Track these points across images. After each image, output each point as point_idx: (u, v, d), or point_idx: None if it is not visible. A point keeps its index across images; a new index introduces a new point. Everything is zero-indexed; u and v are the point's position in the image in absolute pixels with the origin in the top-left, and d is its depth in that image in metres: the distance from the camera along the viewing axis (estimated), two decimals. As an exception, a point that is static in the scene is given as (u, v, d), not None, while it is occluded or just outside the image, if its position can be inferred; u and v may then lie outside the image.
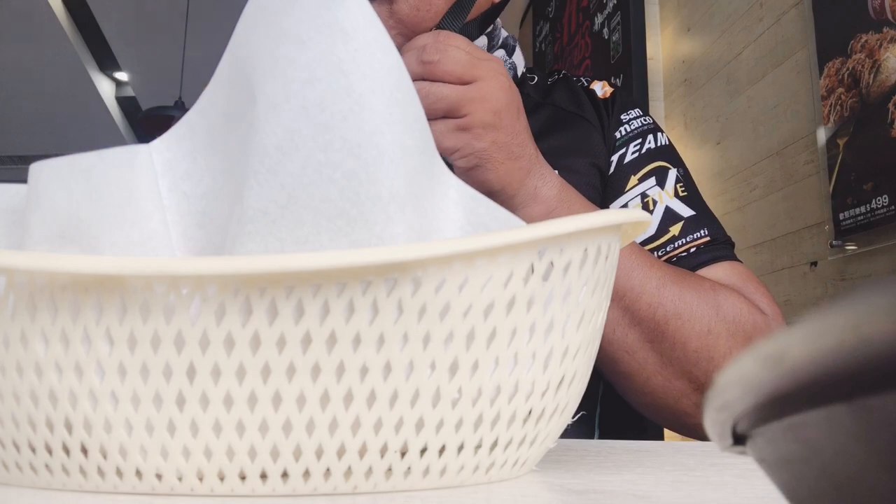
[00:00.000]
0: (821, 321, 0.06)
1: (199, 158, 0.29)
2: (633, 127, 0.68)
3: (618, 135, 0.67)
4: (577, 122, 0.68)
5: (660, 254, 0.62)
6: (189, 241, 0.28)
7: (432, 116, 0.48)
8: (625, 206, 0.64)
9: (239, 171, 0.26)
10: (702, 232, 0.62)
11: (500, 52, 0.66)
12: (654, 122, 0.69)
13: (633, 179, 0.65)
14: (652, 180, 0.65)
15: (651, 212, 0.63)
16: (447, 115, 0.48)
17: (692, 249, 0.62)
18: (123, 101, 4.76)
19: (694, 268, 0.61)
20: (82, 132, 4.73)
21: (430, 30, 0.57)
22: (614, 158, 0.66)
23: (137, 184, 0.28)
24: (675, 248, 0.62)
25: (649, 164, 0.65)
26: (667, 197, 0.64)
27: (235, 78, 0.27)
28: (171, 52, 3.69)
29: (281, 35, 0.26)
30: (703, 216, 0.64)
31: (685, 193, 0.64)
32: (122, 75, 4.44)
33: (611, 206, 0.64)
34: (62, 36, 3.89)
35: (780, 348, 0.06)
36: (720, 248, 0.63)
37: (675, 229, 0.62)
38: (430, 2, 0.55)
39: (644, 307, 0.53)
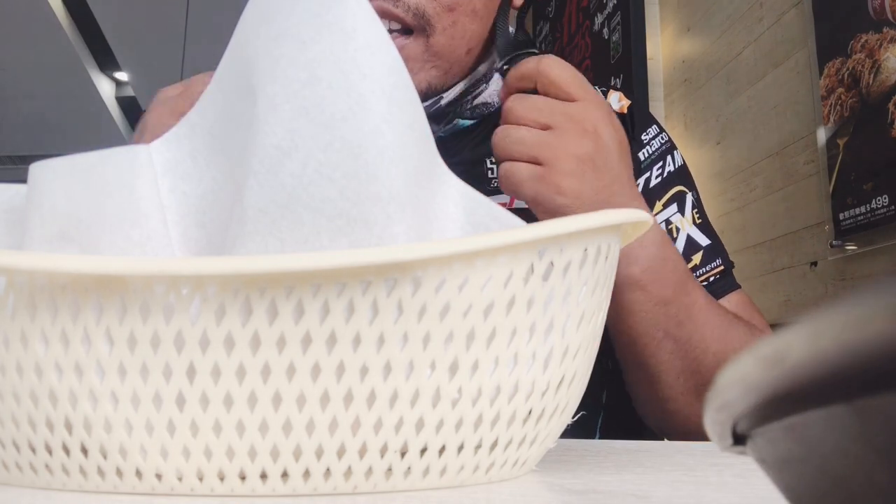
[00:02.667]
0: (821, 321, 0.06)
1: (200, 158, 0.29)
2: (654, 148, 0.66)
3: (641, 156, 0.66)
4: None
5: None
6: (189, 241, 0.28)
7: (515, 158, 0.45)
8: None
9: (239, 171, 0.26)
10: (717, 262, 0.62)
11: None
12: (669, 138, 0.68)
13: (658, 205, 0.64)
14: (674, 207, 0.64)
15: (674, 240, 0.62)
16: (529, 160, 0.45)
17: (711, 279, 0.61)
18: (123, 101, 4.77)
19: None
20: (82, 132, 4.73)
21: (465, 55, 0.56)
22: (640, 182, 0.65)
23: (137, 184, 0.28)
24: (697, 279, 0.61)
25: (671, 188, 0.65)
26: (687, 225, 0.63)
27: (236, 78, 0.27)
28: (172, 51, 3.69)
29: (281, 35, 0.26)
30: (717, 244, 0.63)
31: (700, 221, 0.64)
32: (122, 75, 4.44)
33: None
34: (62, 36, 3.89)
35: (779, 348, 0.06)
36: (729, 277, 0.63)
37: (697, 258, 0.62)
38: (463, 30, 0.54)
39: (697, 343, 0.52)
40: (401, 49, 0.51)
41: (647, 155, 0.66)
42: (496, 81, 0.61)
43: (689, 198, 0.64)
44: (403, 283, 0.24)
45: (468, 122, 0.61)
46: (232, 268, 0.23)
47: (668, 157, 0.66)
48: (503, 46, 0.57)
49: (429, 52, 0.53)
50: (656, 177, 0.65)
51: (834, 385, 0.06)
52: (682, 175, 0.66)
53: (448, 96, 0.57)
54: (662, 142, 0.67)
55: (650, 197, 0.64)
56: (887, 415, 0.06)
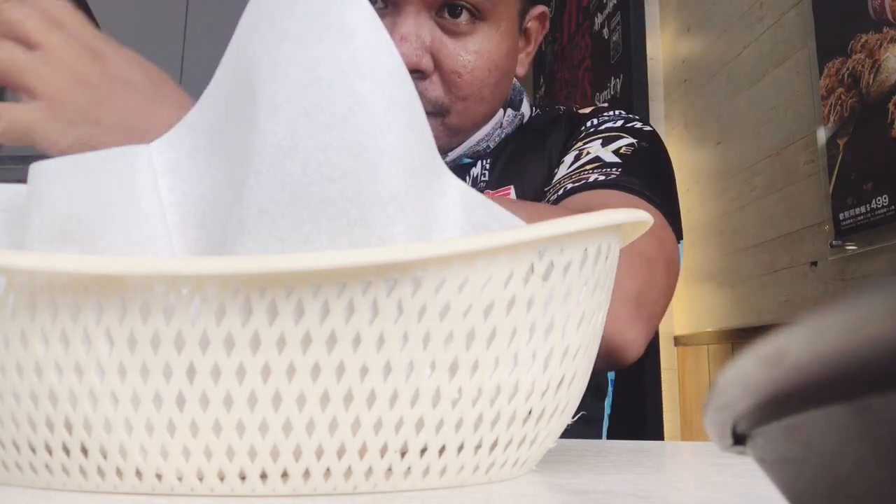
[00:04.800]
0: (820, 321, 0.06)
1: (200, 158, 0.29)
2: (608, 122, 0.65)
3: (587, 125, 0.65)
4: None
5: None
6: (189, 241, 0.28)
7: None
8: (558, 166, 0.62)
9: (239, 170, 0.26)
10: (614, 169, 0.56)
11: (509, 112, 0.69)
12: (652, 141, 0.64)
13: (579, 144, 0.63)
14: (599, 141, 0.61)
15: (575, 163, 0.59)
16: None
17: (590, 178, 0.55)
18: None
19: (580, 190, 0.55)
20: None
21: (471, 127, 0.66)
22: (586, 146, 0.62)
23: (138, 184, 0.28)
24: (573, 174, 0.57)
25: (608, 134, 0.62)
26: (602, 151, 0.59)
27: (236, 78, 0.27)
28: (170, 51, 3.69)
29: (281, 35, 0.26)
30: (627, 164, 0.56)
31: (629, 155, 0.58)
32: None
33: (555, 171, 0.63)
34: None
35: (779, 349, 0.06)
36: (621, 179, 0.55)
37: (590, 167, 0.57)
38: (474, 112, 0.65)
39: None
40: None
41: (593, 124, 0.64)
42: (499, 131, 0.70)
43: (628, 140, 0.61)
44: (403, 283, 0.24)
45: (467, 161, 0.69)
46: (232, 268, 0.23)
47: (632, 124, 0.64)
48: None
49: (442, 126, 0.63)
50: (598, 135, 0.63)
51: (833, 385, 0.06)
52: (641, 135, 0.62)
53: (452, 155, 0.67)
54: (629, 117, 0.65)
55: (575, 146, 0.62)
56: (886, 415, 0.06)
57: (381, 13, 0.59)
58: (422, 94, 0.59)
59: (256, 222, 0.25)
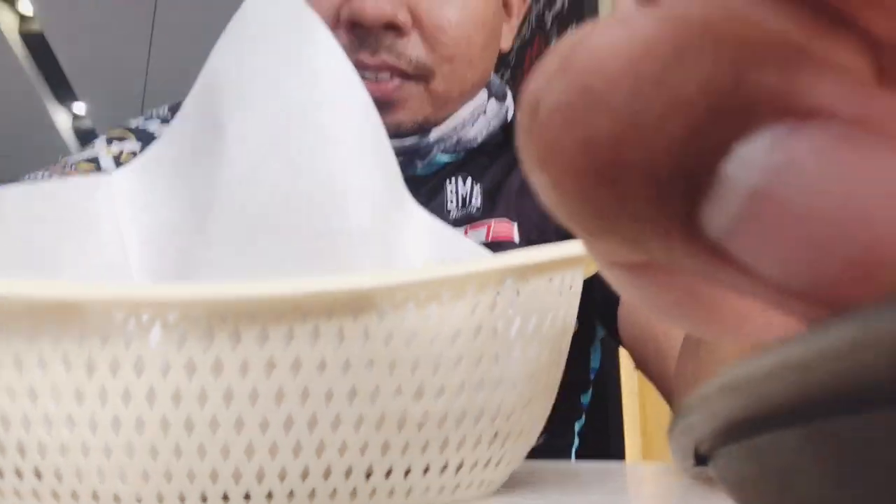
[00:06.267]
0: (780, 354, 0.06)
1: (163, 189, 0.28)
2: None
3: None
4: None
5: None
6: (149, 270, 0.28)
7: None
8: None
9: (203, 200, 0.26)
10: None
11: (492, 102, 0.64)
12: None
13: None
14: None
15: None
16: None
17: None
18: (81, 133, 4.67)
19: None
20: (38, 163, 4.59)
21: (458, 97, 0.58)
22: None
23: (96, 213, 0.27)
24: None
25: None
26: None
27: (204, 111, 0.27)
28: (132, 84, 3.64)
29: (252, 70, 0.26)
30: None
31: None
32: (79, 106, 4.35)
33: None
34: (17, 67, 3.80)
35: (740, 378, 0.06)
36: None
37: None
38: (462, 76, 0.57)
39: None
40: (400, 89, 0.53)
41: None
42: (483, 120, 0.63)
43: None
44: (369, 312, 0.24)
45: (446, 158, 0.61)
46: (193, 295, 0.22)
47: None
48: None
49: (427, 93, 0.56)
50: None
51: (793, 411, 0.06)
52: None
53: (435, 133, 0.59)
54: None
55: None
56: (839, 438, 0.06)
57: None
58: (401, 54, 0.53)
59: (220, 250, 0.24)
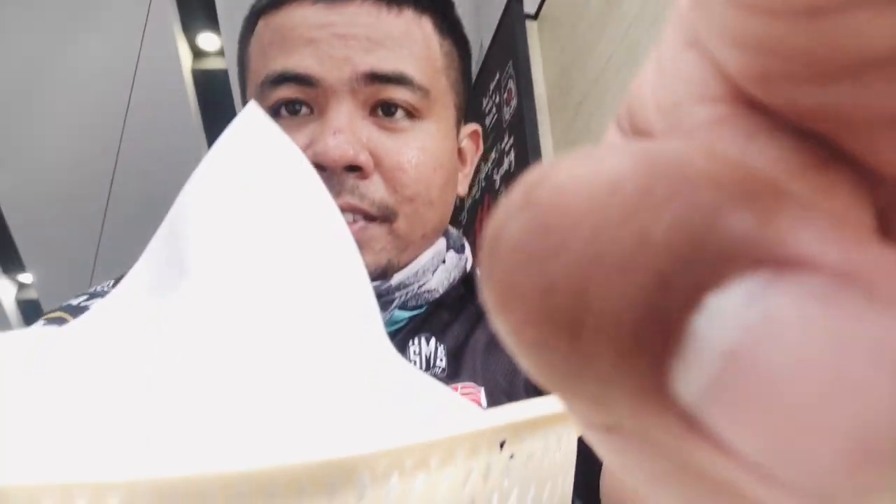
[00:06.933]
0: None
1: (114, 348, 0.25)
2: None
3: None
4: None
5: None
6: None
7: None
8: None
9: (156, 358, 0.23)
10: None
11: (451, 254, 0.64)
12: None
13: None
14: None
15: None
16: None
17: None
18: (24, 304, 4.55)
19: None
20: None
21: (421, 239, 0.59)
22: None
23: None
24: None
25: None
26: None
27: (168, 255, 0.25)
28: (83, 254, 3.62)
29: (227, 209, 0.24)
30: None
31: None
32: (25, 277, 4.28)
33: None
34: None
35: None
36: None
37: None
38: (423, 217, 0.58)
39: None
40: (364, 230, 0.54)
41: None
42: (442, 270, 0.62)
43: None
44: (345, 490, 0.20)
45: (406, 314, 0.60)
46: (136, 475, 0.19)
47: None
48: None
49: (391, 235, 0.57)
50: None
51: None
52: None
53: (397, 278, 0.58)
54: None
55: None
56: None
57: (307, 120, 0.55)
58: (364, 195, 0.54)
59: (172, 418, 0.21)
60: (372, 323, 0.25)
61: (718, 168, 0.06)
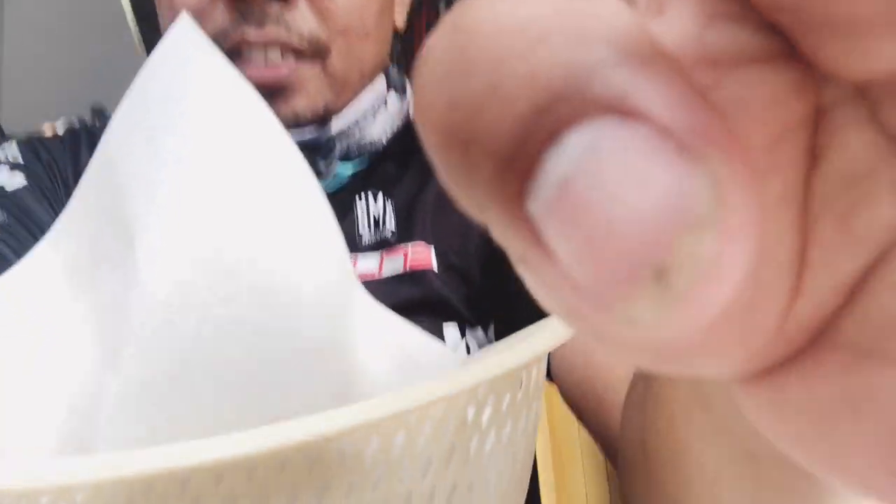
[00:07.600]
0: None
1: (52, 309, 0.23)
2: None
3: None
4: None
5: None
6: (38, 427, 0.22)
7: None
8: None
9: (112, 332, 0.21)
10: None
11: (392, 95, 0.59)
12: None
13: None
14: None
15: None
16: None
17: None
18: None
19: None
20: None
21: (359, 79, 0.54)
22: None
23: None
24: None
25: None
26: None
27: (104, 203, 0.22)
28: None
29: (160, 156, 0.21)
30: None
31: None
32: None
33: None
34: None
35: None
36: None
37: None
38: (359, 52, 0.53)
39: None
40: (295, 71, 0.49)
41: None
42: (384, 115, 0.58)
43: None
44: (328, 459, 0.20)
45: (350, 168, 0.56)
46: (101, 467, 0.17)
47: None
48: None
49: (324, 74, 0.52)
50: None
51: None
52: None
53: (336, 125, 0.54)
54: None
55: None
56: None
57: None
58: (290, 26, 0.48)
59: (139, 399, 0.19)
60: (339, 249, 0.23)
61: (620, 26, 0.07)
